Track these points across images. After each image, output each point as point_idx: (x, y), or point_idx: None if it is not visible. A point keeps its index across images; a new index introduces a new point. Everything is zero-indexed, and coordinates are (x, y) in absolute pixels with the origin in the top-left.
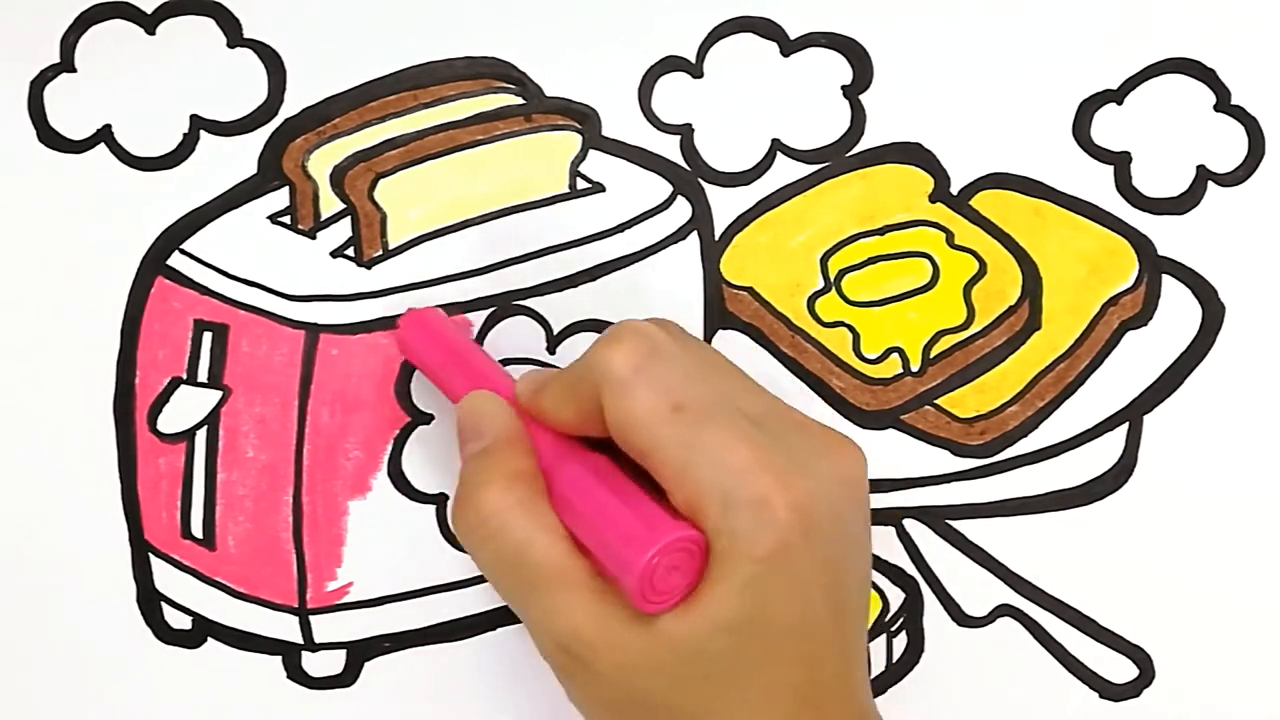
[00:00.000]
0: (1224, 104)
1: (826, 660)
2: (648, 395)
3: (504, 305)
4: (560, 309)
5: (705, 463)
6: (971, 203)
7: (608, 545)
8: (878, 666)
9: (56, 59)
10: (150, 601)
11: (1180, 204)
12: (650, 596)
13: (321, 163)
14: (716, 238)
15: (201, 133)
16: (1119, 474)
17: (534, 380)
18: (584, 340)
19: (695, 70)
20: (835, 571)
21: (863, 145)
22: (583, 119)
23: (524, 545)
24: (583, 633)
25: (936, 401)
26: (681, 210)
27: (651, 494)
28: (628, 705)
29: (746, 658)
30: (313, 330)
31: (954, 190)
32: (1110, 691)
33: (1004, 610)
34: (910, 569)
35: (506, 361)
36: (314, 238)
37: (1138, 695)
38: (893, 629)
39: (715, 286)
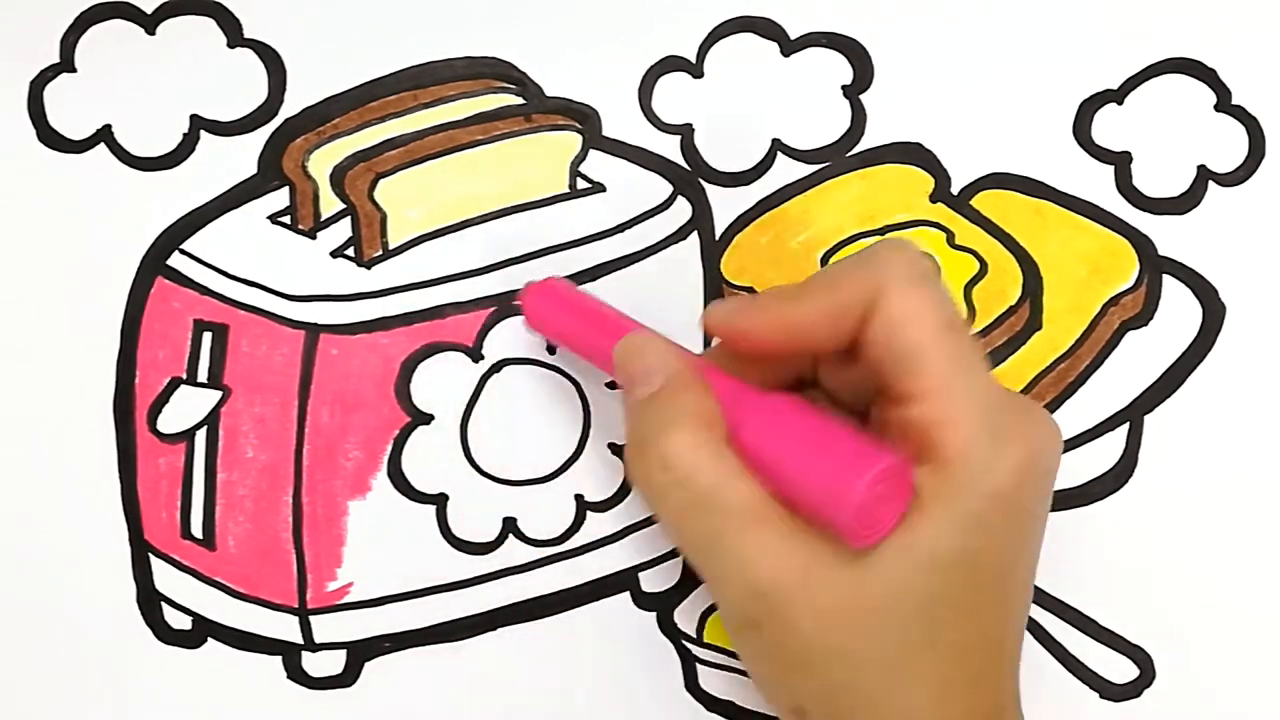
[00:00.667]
0: (1224, 104)
1: (1012, 621)
2: (933, 301)
3: (504, 305)
4: None
5: (967, 382)
6: (972, 203)
7: (816, 477)
8: None
9: (56, 59)
10: (150, 601)
11: (1180, 204)
12: (864, 529)
13: (321, 163)
14: (716, 238)
15: (201, 133)
16: (1119, 474)
17: (731, 302)
18: None
19: (695, 70)
20: (1039, 529)
21: (863, 145)
22: (583, 119)
23: (716, 488)
24: (783, 578)
25: None
26: (681, 210)
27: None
28: (818, 658)
29: (951, 603)
30: (313, 330)
31: (954, 190)
32: (1110, 691)
33: None
34: None
35: (506, 362)
36: (314, 238)
37: (1138, 695)
38: None
39: (715, 286)
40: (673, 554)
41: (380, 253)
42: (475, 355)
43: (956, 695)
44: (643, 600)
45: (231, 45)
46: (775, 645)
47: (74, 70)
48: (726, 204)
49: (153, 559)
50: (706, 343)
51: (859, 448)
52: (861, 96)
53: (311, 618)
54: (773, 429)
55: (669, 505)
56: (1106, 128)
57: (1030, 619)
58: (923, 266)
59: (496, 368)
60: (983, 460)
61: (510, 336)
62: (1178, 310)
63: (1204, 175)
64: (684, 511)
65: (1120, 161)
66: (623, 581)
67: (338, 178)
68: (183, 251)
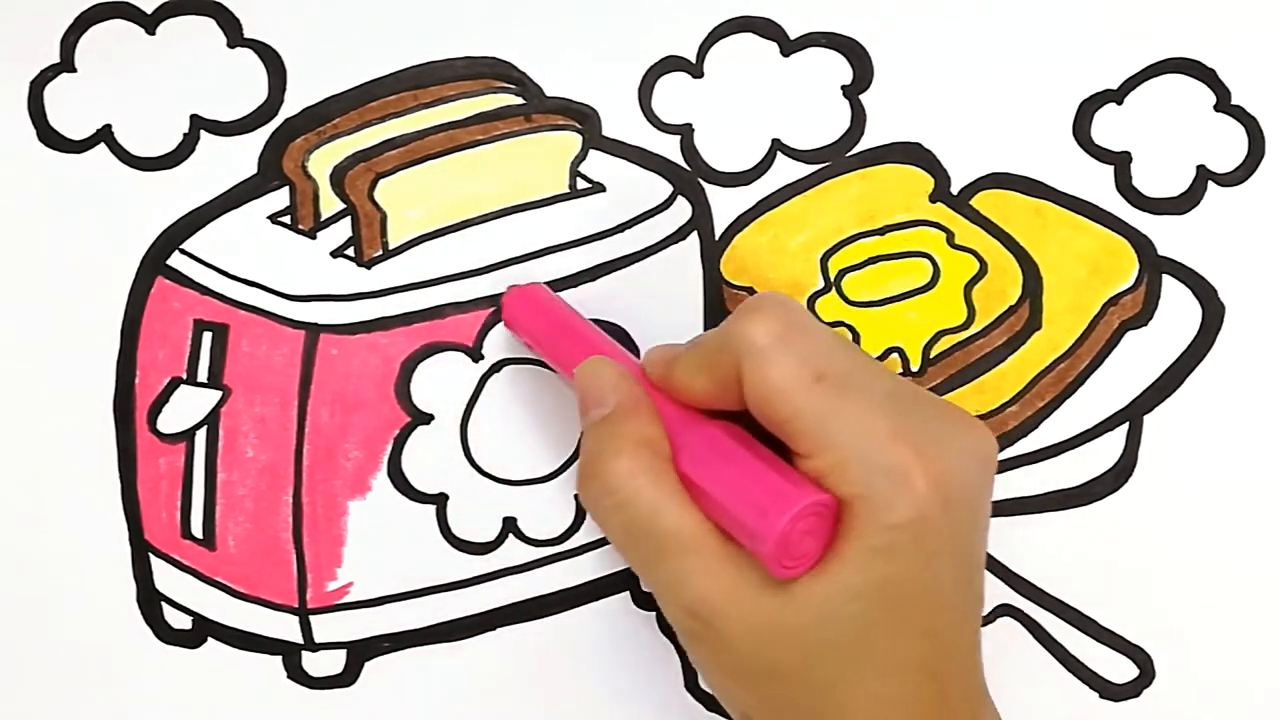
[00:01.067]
0: (1224, 104)
1: (951, 635)
2: (790, 364)
3: None
4: None
5: (846, 430)
6: (972, 203)
7: (742, 509)
8: None
9: (56, 59)
10: (150, 601)
11: (1180, 204)
12: (785, 561)
13: (321, 163)
14: (716, 238)
15: (201, 133)
16: (1119, 474)
17: (664, 353)
18: None
19: (695, 70)
20: (966, 547)
21: (863, 145)
22: (583, 119)
23: (653, 513)
24: (714, 599)
25: None
26: (681, 210)
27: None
28: (756, 673)
29: (877, 626)
30: (313, 330)
31: (954, 190)
32: (1110, 691)
33: (1004, 610)
34: None
35: (506, 361)
36: (314, 238)
37: (1138, 695)
38: None
39: (715, 286)
40: None
41: (380, 253)
42: (475, 355)
43: (891, 713)
44: (643, 600)
45: (231, 45)
46: (713, 659)
47: (74, 70)
48: (726, 204)
49: (153, 559)
50: None
51: (783, 484)
52: (861, 96)
53: (311, 617)
54: (707, 458)
55: (612, 527)
56: (1106, 128)
57: (1030, 619)
58: (780, 324)
59: (496, 368)
60: (881, 498)
61: (510, 337)
62: (1177, 310)
63: (1204, 175)
64: (625, 533)
65: (1120, 161)
66: (623, 581)
67: (338, 178)
68: (183, 251)
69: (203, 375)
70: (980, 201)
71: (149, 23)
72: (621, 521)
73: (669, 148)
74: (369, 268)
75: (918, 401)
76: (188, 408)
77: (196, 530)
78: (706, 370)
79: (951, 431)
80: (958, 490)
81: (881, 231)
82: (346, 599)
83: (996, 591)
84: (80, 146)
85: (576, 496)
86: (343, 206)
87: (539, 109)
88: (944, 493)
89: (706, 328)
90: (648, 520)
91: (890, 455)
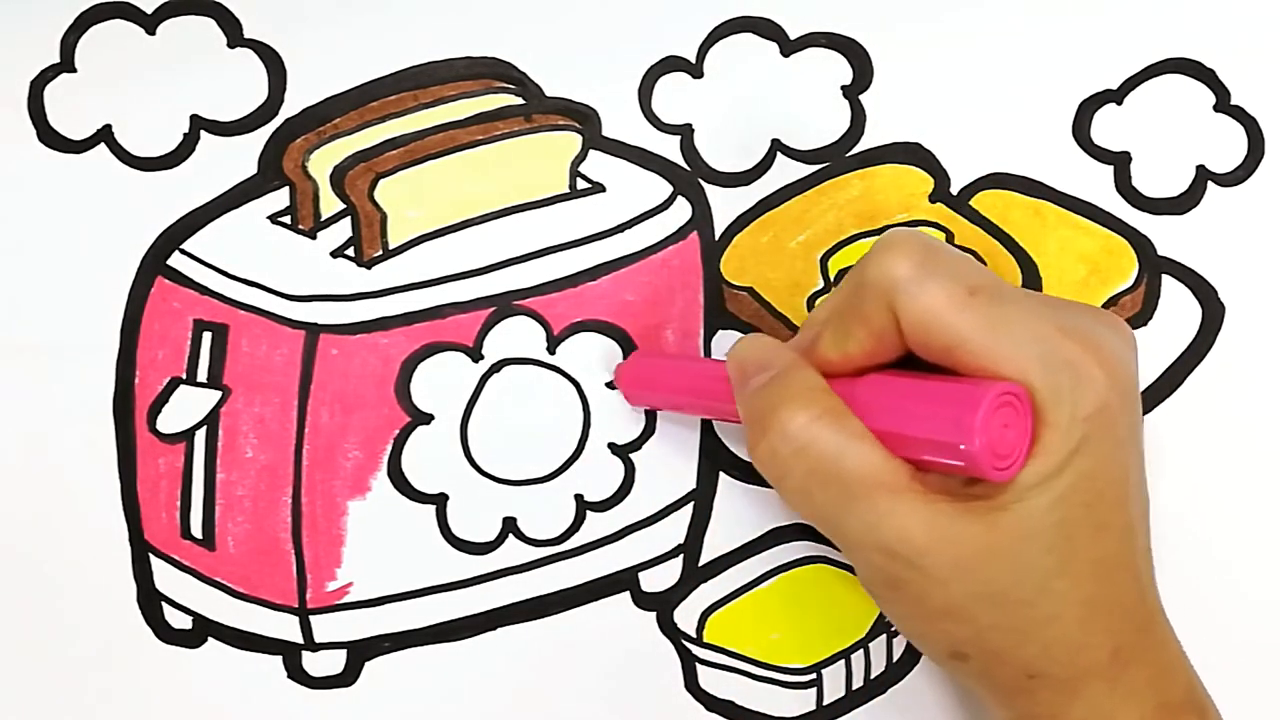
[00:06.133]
0: (1224, 104)
1: (1142, 530)
2: (943, 285)
3: (504, 305)
4: (560, 309)
5: (1016, 333)
6: (971, 203)
7: (936, 426)
8: (878, 667)
9: (56, 59)
10: (150, 601)
11: (1180, 204)
12: (996, 462)
13: (321, 163)
14: (716, 238)
15: (201, 133)
16: None
17: (799, 336)
18: (584, 340)
19: (695, 70)
20: (1139, 437)
21: (863, 145)
22: (583, 119)
23: (838, 455)
24: (915, 536)
25: None
26: (681, 210)
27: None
28: (963, 605)
29: (1080, 526)
30: (313, 330)
31: (954, 190)
32: None
33: None
34: None
35: (506, 362)
36: (314, 238)
37: None
38: (893, 629)
39: (715, 286)
40: (673, 554)
41: (380, 253)
42: (475, 355)
43: (1100, 614)
44: (643, 600)
45: (231, 45)
46: (918, 601)
47: (74, 70)
48: (726, 204)
49: (153, 559)
50: (706, 344)
51: (968, 388)
52: (861, 96)
53: (311, 617)
54: (881, 401)
55: (794, 477)
56: (1106, 128)
57: None
58: (918, 251)
59: (496, 368)
60: (1066, 392)
61: (510, 336)
62: (1177, 310)
63: (1203, 175)
64: (809, 481)
65: (1119, 161)
66: (623, 581)
67: (338, 178)
68: (183, 251)
69: (202, 375)
70: (980, 201)
71: (149, 23)
72: (805, 469)
73: (669, 148)
74: (369, 268)
75: (1064, 302)
76: (187, 408)
77: (196, 530)
78: (856, 324)
79: (1103, 325)
80: (1125, 380)
81: (881, 231)
82: (346, 599)
83: None
84: (80, 146)
85: (577, 496)
86: (343, 206)
87: (539, 109)
88: (1118, 382)
89: (706, 328)
90: (833, 463)
91: (1065, 350)
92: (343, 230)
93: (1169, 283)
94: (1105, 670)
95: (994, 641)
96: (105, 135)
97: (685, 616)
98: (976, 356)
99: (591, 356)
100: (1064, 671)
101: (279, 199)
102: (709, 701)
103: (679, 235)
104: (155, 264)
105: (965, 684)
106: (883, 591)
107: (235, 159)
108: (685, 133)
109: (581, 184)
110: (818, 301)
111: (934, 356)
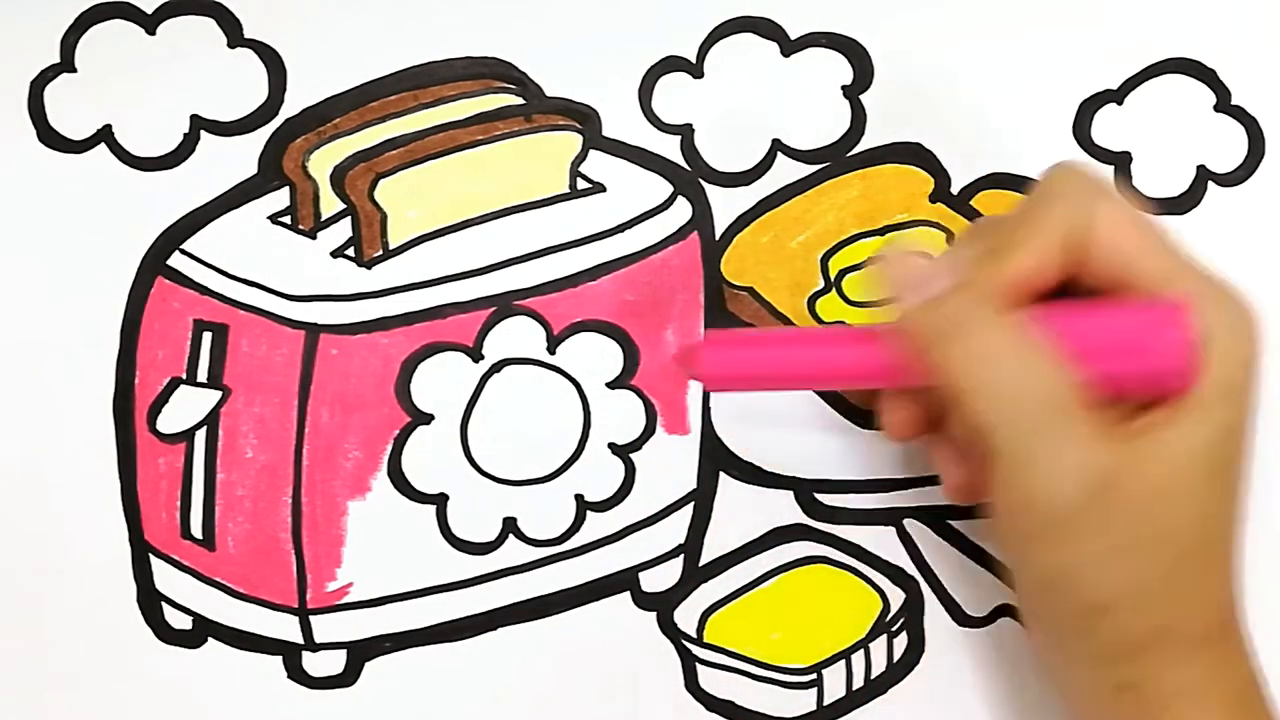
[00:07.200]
0: (1224, 104)
1: (1244, 490)
2: (1123, 206)
3: (504, 305)
4: (560, 309)
5: (1191, 268)
6: (972, 203)
7: (1131, 334)
8: (878, 667)
9: (56, 59)
10: (150, 601)
11: (1180, 204)
12: (1191, 368)
13: (322, 163)
14: (717, 238)
15: (201, 133)
16: None
17: (938, 262)
18: (584, 340)
19: (695, 70)
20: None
21: (863, 145)
22: (583, 119)
23: (1034, 370)
24: (1106, 466)
25: None
26: (681, 210)
27: None
28: (1142, 539)
29: (1234, 463)
30: (313, 330)
31: (954, 190)
32: None
33: (1004, 610)
34: (911, 569)
35: (506, 362)
36: (314, 238)
37: None
38: (893, 629)
39: (715, 286)
40: (673, 554)
41: (380, 253)
42: (475, 355)
43: (1230, 572)
44: (643, 600)
45: (231, 45)
46: (1098, 537)
47: (74, 70)
48: (726, 204)
49: (153, 559)
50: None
51: (1151, 302)
52: (861, 96)
53: (311, 618)
54: (1063, 315)
55: (983, 387)
56: (1106, 128)
57: None
58: (1088, 179)
59: (496, 368)
60: (1231, 329)
61: (510, 336)
62: None
63: (1203, 175)
64: (997, 395)
65: (1120, 161)
66: (623, 581)
67: (338, 178)
68: (183, 251)
69: (202, 375)
70: (980, 201)
71: (149, 23)
72: (992, 380)
73: (669, 148)
74: (369, 268)
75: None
76: (187, 408)
77: (196, 530)
78: (1021, 246)
79: (1234, 289)
80: (1261, 340)
81: (882, 231)
82: (346, 599)
83: (996, 592)
84: (80, 146)
85: (577, 496)
86: (343, 206)
87: (539, 109)
88: (1259, 340)
89: (707, 328)
90: (1029, 378)
91: (1229, 293)
92: (343, 230)
93: None
94: (1218, 636)
95: (1167, 585)
96: (105, 135)
97: (685, 616)
98: (1151, 277)
99: (592, 357)
100: (1191, 629)
101: (279, 199)
102: (709, 701)
103: (679, 235)
104: (155, 264)
105: (1058, 650)
106: (1051, 529)
107: (235, 159)
108: (685, 133)
109: (582, 184)
110: (956, 238)
111: (1114, 270)
